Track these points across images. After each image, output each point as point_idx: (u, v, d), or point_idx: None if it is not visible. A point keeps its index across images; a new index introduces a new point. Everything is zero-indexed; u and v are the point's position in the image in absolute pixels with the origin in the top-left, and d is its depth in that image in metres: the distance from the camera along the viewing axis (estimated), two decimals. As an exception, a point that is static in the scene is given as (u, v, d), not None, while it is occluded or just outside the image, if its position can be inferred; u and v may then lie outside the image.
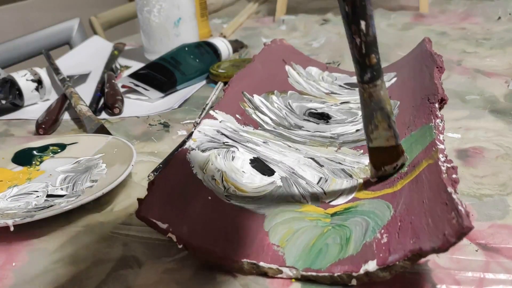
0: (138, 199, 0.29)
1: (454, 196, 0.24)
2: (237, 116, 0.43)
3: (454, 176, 0.26)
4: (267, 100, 0.48)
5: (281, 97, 0.49)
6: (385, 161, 0.33)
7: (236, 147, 0.38)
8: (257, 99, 0.47)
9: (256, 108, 0.46)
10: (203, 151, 0.36)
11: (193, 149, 0.36)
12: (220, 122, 0.41)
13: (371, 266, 0.25)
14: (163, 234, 0.28)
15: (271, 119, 0.45)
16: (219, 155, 0.37)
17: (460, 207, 0.23)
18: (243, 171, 0.36)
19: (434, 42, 0.46)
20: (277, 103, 0.48)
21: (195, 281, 0.28)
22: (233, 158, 0.37)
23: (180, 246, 0.28)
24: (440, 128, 0.33)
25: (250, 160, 0.37)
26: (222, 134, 0.40)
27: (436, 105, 0.36)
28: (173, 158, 0.34)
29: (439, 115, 0.35)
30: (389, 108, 0.32)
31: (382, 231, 0.27)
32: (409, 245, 0.24)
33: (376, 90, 0.32)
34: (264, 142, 0.40)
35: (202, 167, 0.35)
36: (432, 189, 0.27)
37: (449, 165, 0.27)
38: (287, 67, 0.55)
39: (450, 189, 0.25)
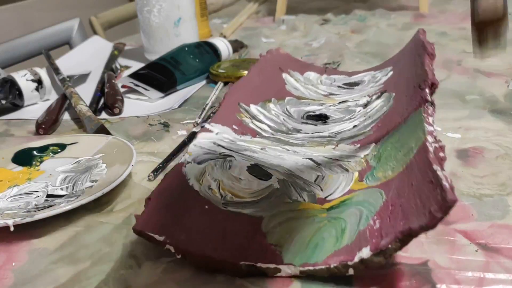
0: (135, 216, 0.29)
1: (439, 173, 0.24)
2: (234, 127, 0.43)
3: (441, 154, 0.26)
4: (264, 108, 0.48)
5: (278, 104, 0.49)
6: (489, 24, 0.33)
7: (233, 156, 0.39)
8: (253, 108, 0.47)
9: (253, 117, 0.46)
10: (199, 163, 0.37)
11: (188, 162, 0.36)
12: (216, 134, 0.41)
13: (365, 252, 0.25)
14: (161, 246, 0.28)
15: (269, 126, 0.45)
16: (215, 166, 0.37)
17: (444, 182, 0.23)
18: (240, 178, 0.36)
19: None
20: (275, 110, 0.48)
21: (195, 281, 0.28)
22: (230, 167, 0.37)
23: (179, 257, 0.28)
24: (429, 112, 0.33)
25: (248, 166, 0.38)
26: (219, 145, 0.40)
27: (427, 90, 0.36)
28: (169, 173, 0.34)
29: (429, 99, 0.35)
30: None
31: (375, 217, 0.28)
32: (399, 227, 0.25)
33: None
34: (261, 149, 0.40)
35: (199, 178, 0.35)
36: (420, 169, 0.27)
37: (436, 145, 0.28)
38: (284, 75, 0.55)
39: (435, 166, 0.25)
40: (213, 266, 0.28)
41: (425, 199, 0.24)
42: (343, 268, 0.26)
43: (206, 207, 0.32)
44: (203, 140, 0.39)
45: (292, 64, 0.59)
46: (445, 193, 0.22)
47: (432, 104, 0.34)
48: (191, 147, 0.38)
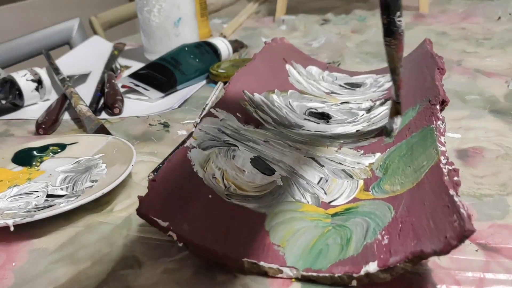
0: (139, 197, 0.29)
1: (456, 198, 0.24)
2: (238, 114, 0.43)
3: (455, 178, 0.26)
4: (268, 99, 0.48)
5: (281, 96, 0.49)
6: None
7: (237, 146, 0.38)
8: (258, 97, 0.47)
9: (257, 107, 0.45)
10: (204, 149, 0.36)
11: (194, 147, 0.36)
12: (221, 120, 0.41)
13: (372, 267, 0.25)
14: (163, 232, 0.28)
15: (272, 118, 0.45)
16: (220, 154, 0.37)
17: (462, 210, 0.23)
18: (243, 170, 0.36)
19: (434, 42, 0.46)
20: (278, 102, 0.48)
21: (195, 281, 0.28)
22: (233, 156, 0.37)
23: (180, 245, 0.28)
24: (441, 130, 0.33)
25: (251, 159, 0.37)
26: (223, 132, 0.40)
27: (438, 107, 0.36)
28: (174, 156, 0.34)
29: (440, 117, 0.35)
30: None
31: (383, 232, 0.27)
32: (410, 247, 0.24)
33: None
34: (265, 141, 0.40)
35: (203, 165, 0.35)
36: (434, 191, 0.27)
37: (450, 168, 0.27)
38: (288, 66, 0.55)
39: (452, 191, 0.25)
40: (214, 259, 0.28)
41: (440, 223, 0.24)
42: (347, 279, 0.26)
43: (210, 196, 0.32)
44: (208, 125, 0.39)
45: (296, 55, 0.58)
46: (463, 222, 0.22)
47: (443, 122, 0.34)
48: (196, 131, 0.38)
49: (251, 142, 0.40)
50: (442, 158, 0.29)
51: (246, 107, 0.44)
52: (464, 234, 0.22)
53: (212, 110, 0.41)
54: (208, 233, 0.29)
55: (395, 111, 0.39)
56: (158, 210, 0.28)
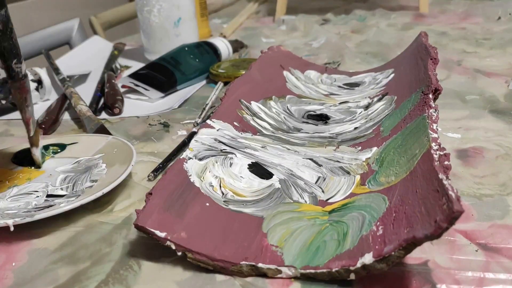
0: (136, 210, 0.29)
1: (445, 182, 0.24)
2: (235, 123, 0.43)
3: (446, 163, 0.26)
4: (265, 106, 0.48)
5: (279, 102, 0.49)
6: None
7: (234, 154, 0.39)
8: (254, 105, 0.47)
9: (254, 114, 0.46)
10: (200, 159, 0.37)
11: (190, 158, 0.36)
12: (217, 130, 0.41)
13: (368, 258, 0.25)
14: (162, 242, 0.28)
15: (269, 124, 0.45)
16: (216, 163, 0.37)
17: (450, 192, 0.23)
18: (241, 176, 0.36)
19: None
20: (275, 108, 0.48)
21: (195, 281, 0.28)
22: (231, 164, 0.37)
23: (179, 254, 0.28)
24: (433, 118, 0.33)
25: (248, 165, 0.38)
26: (220, 142, 0.40)
27: (430, 95, 0.36)
28: (170, 168, 0.34)
29: (433, 105, 0.35)
30: None
31: (378, 223, 0.27)
32: (403, 235, 0.24)
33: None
34: (262, 147, 0.40)
35: (200, 175, 0.35)
36: (425, 177, 0.27)
37: (441, 153, 0.28)
38: (285, 73, 0.55)
39: (441, 175, 0.25)
40: (213, 265, 0.28)
41: (430, 208, 0.24)
42: (344, 273, 0.26)
43: (207, 204, 0.32)
44: (204, 136, 0.39)
45: (293, 62, 0.59)
46: (451, 204, 0.22)
47: (436, 110, 0.34)
48: (193, 143, 0.38)
49: (248, 149, 0.40)
50: (433, 144, 0.29)
51: (243, 116, 0.44)
52: (453, 215, 0.22)
53: (208, 121, 0.41)
54: (205, 239, 0.29)
55: (31, 143, 0.41)
56: (155, 222, 0.29)
